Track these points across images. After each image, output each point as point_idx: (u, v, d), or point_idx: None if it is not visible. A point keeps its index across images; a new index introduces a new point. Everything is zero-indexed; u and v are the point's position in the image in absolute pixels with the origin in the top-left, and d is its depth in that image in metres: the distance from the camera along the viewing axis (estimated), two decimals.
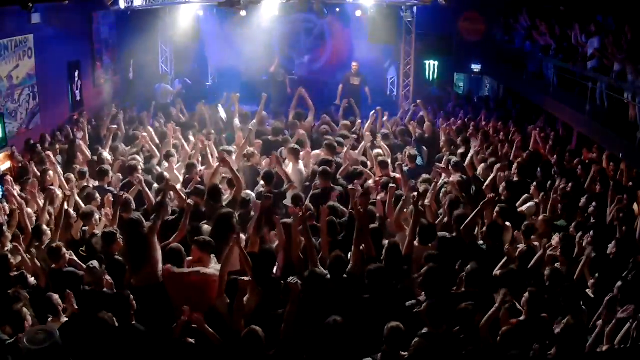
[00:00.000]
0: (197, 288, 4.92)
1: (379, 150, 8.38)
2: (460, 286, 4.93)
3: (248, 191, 6.79)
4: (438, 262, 5.00)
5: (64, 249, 5.31)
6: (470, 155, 7.83)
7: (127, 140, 9.26)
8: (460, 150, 8.48)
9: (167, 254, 5.15)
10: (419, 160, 8.35)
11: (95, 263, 4.96)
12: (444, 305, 4.30)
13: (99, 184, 7.23)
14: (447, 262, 5.23)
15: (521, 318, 4.49)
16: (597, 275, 4.94)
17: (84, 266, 5.18)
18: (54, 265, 5.23)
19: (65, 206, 5.94)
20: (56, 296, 4.71)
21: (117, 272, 5.04)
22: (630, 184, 7.07)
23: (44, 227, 5.69)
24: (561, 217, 6.42)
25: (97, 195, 6.70)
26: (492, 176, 7.13)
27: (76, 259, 5.46)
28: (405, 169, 7.82)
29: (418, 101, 10.91)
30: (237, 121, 9.61)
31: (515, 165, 7.72)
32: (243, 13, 12.90)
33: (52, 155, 7.58)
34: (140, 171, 7.30)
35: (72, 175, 7.30)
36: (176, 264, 5.03)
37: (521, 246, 5.67)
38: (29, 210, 6.24)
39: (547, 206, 6.52)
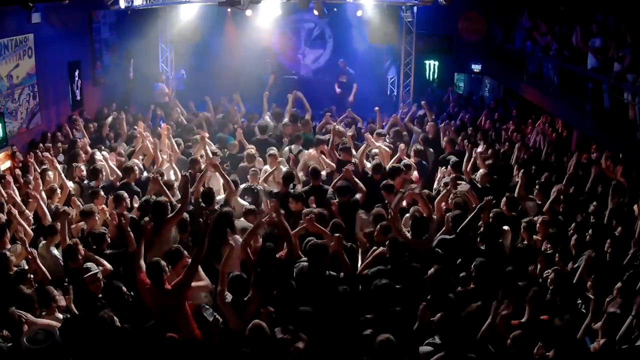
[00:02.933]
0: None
1: (377, 150, 8.37)
2: (464, 285, 4.95)
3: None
4: (442, 263, 5.03)
5: (80, 247, 5.32)
6: (472, 159, 7.74)
7: (127, 140, 9.29)
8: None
9: (147, 267, 4.86)
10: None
11: (90, 265, 4.99)
12: (455, 315, 4.26)
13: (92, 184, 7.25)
14: (448, 263, 5.25)
15: (522, 320, 4.49)
16: (593, 276, 4.93)
17: (101, 260, 5.33)
18: (70, 264, 5.25)
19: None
20: (52, 289, 4.72)
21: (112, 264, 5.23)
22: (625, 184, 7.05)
23: (58, 226, 5.69)
24: (560, 215, 6.42)
25: (102, 193, 6.73)
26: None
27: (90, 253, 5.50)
28: (408, 161, 7.90)
29: (422, 102, 10.92)
30: (267, 118, 9.92)
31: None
32: (248, 12, 12.89)
33: (50, 156, 7.58)
34: (137, 172, 7.32)
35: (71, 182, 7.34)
36: (155, 279, 4.77)
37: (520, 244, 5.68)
38: (27, 212, 6.25)
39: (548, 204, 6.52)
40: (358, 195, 6.92)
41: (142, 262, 4.86)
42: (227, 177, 6.67)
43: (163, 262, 4.86)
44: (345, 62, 15.52)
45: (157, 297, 4.71)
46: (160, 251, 5.39)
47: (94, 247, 5.65)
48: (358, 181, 7.11)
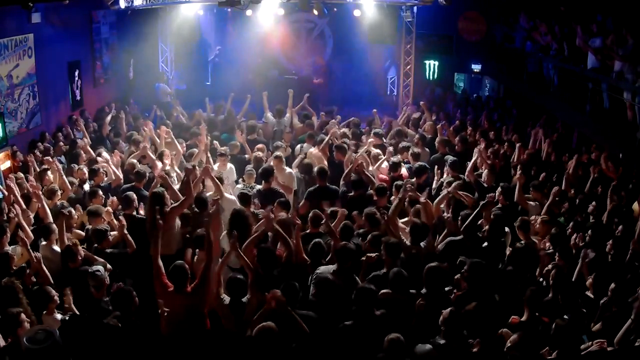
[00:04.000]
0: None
1: (379, 150, 8.38)
2: (460, 286, 4.93)
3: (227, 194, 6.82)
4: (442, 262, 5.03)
5: (79, 248, 5.36)
6: (472, 161, 7.70)
7: (126, 140, 9.28)
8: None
9: (170, 272, 4.81)
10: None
11: (98, 268, 4.98)
12: (460, 315, 4.23)
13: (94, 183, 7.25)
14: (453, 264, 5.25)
15: (522, 318, 4.48)
16: (594, 275, 4.93)
17: (98, 259, 5.36)
18: (69, 264, 5.25)
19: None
20: (50, 288, 4.73)
21: (112, 264, 5.22)
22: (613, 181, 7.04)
23: (53, 225, 5.71)
24: (561, 216, 6.41)
25: (100, 192, 6.73)
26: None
27: (89, 253, 5.53)
28: (407, 165, 7.93)
29: (421, 103, 10.92)
30: (269, 115, 10.02)
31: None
32: (249, 12, 12.89)
33: (51, 158, 7.58)
34: (148, 175, 7.32)
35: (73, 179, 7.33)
36: (179, 282, 4.74)
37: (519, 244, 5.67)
38: (28, 211, 6.25)
39: (546, 207, 6.52)
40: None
41: (161, 264, 4.82)
42: (215, 179, 6.65)
43: (187, 265, 4.85)
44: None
45: (177, 301, 4.66)
46: (163, 240, 5.40)
47: (95, 245, 5.66)
48: (370, 175, 7.13)
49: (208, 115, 10.70)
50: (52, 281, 5.10)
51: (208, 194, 6.71)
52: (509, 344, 3.99)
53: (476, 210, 5.81)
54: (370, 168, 7.72)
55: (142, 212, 6.52)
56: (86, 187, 7.32)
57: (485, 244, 5.71)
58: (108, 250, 5.60)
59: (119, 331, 4.30)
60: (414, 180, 7.35)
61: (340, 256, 5.10)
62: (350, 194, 6.95)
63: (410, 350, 4.09)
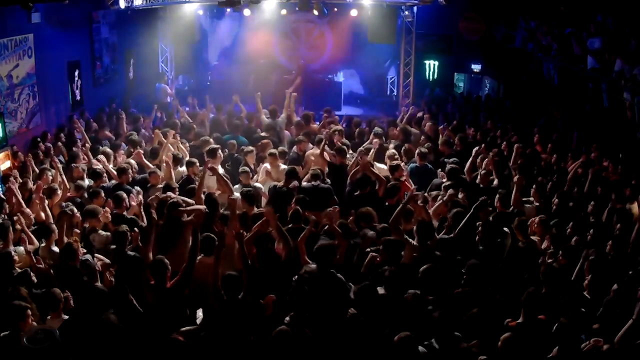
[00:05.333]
0: None
1: (394, 151, 8.35)
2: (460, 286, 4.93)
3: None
4: (437, 263, 5.01)
5: (79, 246, 5.35)
6: (470, 161, 7.68)
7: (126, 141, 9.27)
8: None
9: (151, 265, 4.85)
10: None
11: (87, 257, 4.99)
12: (453, 318, 4.23)
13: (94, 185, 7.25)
14: (448, 263, 5.24)
15: (519, 320, 4.48)
16: (591, 276, 4.92)
17: (98, 256, 5.39)
18: (69, 262, 5.23)
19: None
20: (58, 291, 4.72)
21: (132, 267, 5.17)
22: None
23: (53, 226, 5.70)
24: (558, 217, 6.41)
25: (102, 193, 6.73)
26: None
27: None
28: (413, 165, 7.90)
29: (422, 104, 10.91)
30: (264, 117, 9.93)
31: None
32: (247, 12, 12.90)
33: (52, 159, 7.58)
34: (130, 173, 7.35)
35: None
36: (159, 276, 4.79)
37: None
38: (28, 210, 6.25)
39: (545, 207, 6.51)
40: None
41: (150, 257, 4.89)
42: (224, 178, 6.64)
43: (167, 261, 4.87)
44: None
45: (158, 295, 4.73)
46: (183, 253, 5.39)
47: (115, 246, 5.63)
48: (377, 173, 7.14)
49: (215, 117, 10.68)
50: (58, 285, 5.10)
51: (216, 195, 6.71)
52: (501, 342, 4.01)
53: (470, 213, 5.79)
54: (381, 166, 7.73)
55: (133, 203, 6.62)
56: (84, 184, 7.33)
57: (481, 247, 5.71)
58: (131, 253, 5.53)
59: (116, 329, 4.32)
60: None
61: (319, 255, 5.03)
62: (356, 193, 6.93)
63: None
